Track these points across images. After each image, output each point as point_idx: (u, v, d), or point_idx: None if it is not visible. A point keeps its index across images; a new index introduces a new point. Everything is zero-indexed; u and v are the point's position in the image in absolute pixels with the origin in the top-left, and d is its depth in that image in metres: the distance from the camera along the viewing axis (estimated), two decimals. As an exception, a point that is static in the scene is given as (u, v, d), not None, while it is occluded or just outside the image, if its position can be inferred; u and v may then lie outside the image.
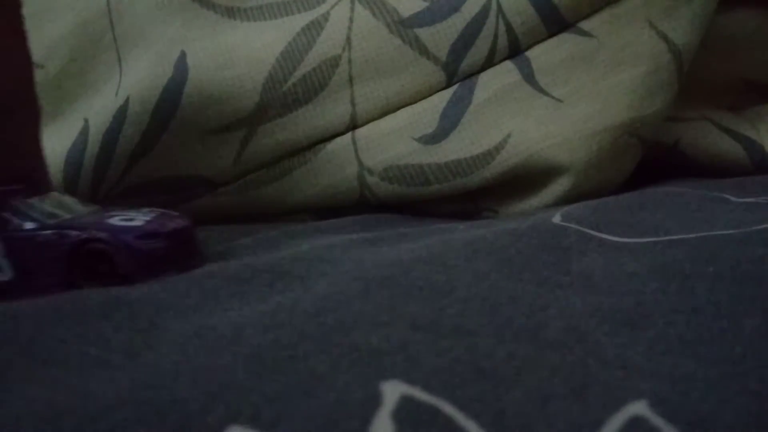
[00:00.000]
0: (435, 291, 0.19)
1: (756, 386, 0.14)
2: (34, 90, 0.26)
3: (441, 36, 0.33)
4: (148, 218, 0.24)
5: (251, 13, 0.35)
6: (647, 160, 0.36)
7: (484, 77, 0.33)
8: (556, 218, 0.25)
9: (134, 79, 0.34)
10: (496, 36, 0.33)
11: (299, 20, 0.34)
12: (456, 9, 0.33)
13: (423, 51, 0.33)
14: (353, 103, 0.33)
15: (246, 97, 0.33)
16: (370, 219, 0.32)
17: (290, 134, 0.33)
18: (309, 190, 0.34)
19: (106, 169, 0.35)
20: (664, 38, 0.33)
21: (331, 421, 0.13)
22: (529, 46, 0.33)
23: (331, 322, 0.17)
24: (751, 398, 0.14)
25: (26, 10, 0.25)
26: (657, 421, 0.13)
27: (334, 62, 0.33)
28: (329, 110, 0.33)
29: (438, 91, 0.33)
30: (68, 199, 0.25)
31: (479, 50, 0.33)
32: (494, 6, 0.33)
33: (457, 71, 0.33)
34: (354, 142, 0.33)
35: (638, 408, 0.13)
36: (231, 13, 0.35)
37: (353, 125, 0.34)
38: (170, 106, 0.33)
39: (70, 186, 0.35)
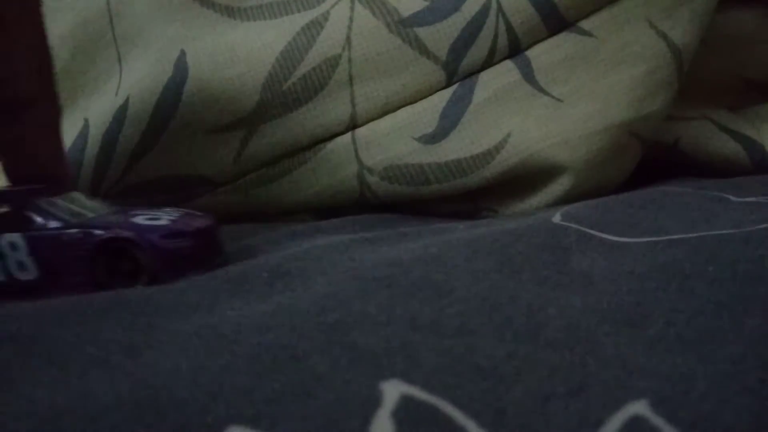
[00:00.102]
0: (435, 291, 0.19)
1: (756, 386, 0.14)
2: (54, 86, 0.26)
3: (441, 35, 0.33)
4: (173, 217, 0.24)
5: (251, 13, 0.35)
6: (647, 160, 0.36)
7: (484, 77, 0.33)
8: (556, 218, 0.25)
9: (134, 78, 0.34)
10: (496, 35, 0.33)
11: (299, 20, 0.34)
12: (456, 8, 0.33)
13: (423, 50, 0.33)
14: (353, 103, 0.33)
15: (246, 96, 0.33)
16: (370, 219, 0.32)
17: (290, 134, 0.33)
18: (309, 190, 0.34)
19: (106, 168, 0.35)
20: (664, 37, 0.33)
21: (330, 420, 0.13)
22: (529, 46, 0.33)
23: (331, 322, 0.17)
24: (751, 398, 0.14)
25: None
26: (657, 420, 0.13)
27: (334, 62, 0.33)
28: (329, 110, 0.33)
29: (438, 90, 0.33)
30: (89, 199, 0.25)
31: (479, 49, 0.33)
32: (494, 5, 0.33)
33: (457, 71, 0.33)
34: (354, 141, 0.33)
35: (638, 407, 0.13)
36: (231, 12, 0.35)
37: (353, 125, 0.34)
38: (170, 106, 0.33)
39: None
